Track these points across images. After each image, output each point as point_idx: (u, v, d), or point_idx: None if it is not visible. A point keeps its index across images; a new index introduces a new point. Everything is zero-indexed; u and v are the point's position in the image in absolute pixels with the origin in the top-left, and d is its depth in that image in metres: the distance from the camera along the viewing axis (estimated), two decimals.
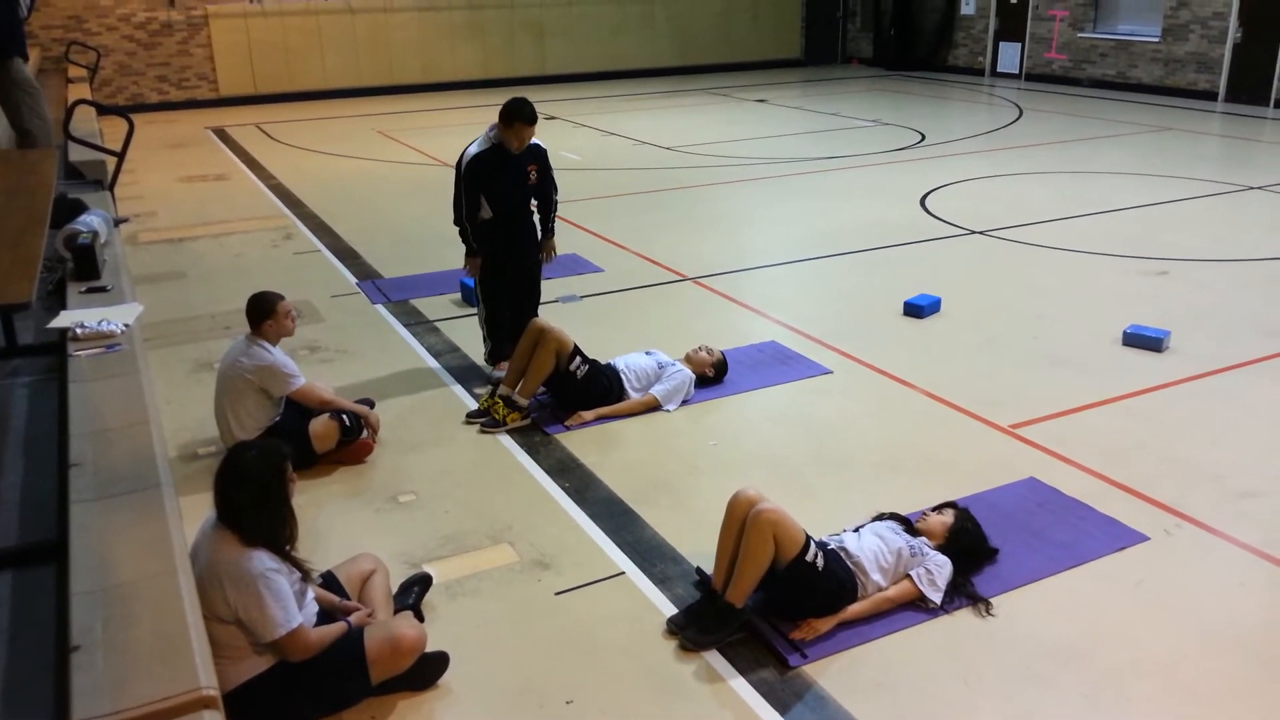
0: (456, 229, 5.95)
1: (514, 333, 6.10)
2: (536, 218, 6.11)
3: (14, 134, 7.47)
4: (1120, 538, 4.35)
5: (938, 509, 4.25)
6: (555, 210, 6.13)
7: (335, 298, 7.75)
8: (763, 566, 3.66)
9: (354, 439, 5.11)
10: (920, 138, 14.09)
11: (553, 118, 16.22)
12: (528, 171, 5.84)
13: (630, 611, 3.92)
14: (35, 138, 7.32)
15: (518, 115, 5.61)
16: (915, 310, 7.11)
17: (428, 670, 3.49)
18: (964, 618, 3.85)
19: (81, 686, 2.11)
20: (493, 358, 6.15)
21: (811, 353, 6.47)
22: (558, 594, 4.04)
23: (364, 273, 8.39)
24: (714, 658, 3.64)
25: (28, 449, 3.59)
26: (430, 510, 4.69)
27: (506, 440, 5.38)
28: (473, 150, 5.75)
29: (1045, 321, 6.99)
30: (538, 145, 5.91)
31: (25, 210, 4.28)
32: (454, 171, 5.88)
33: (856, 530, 4.07)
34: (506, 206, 5.86)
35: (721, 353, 6.05)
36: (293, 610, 3.18)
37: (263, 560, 3.14)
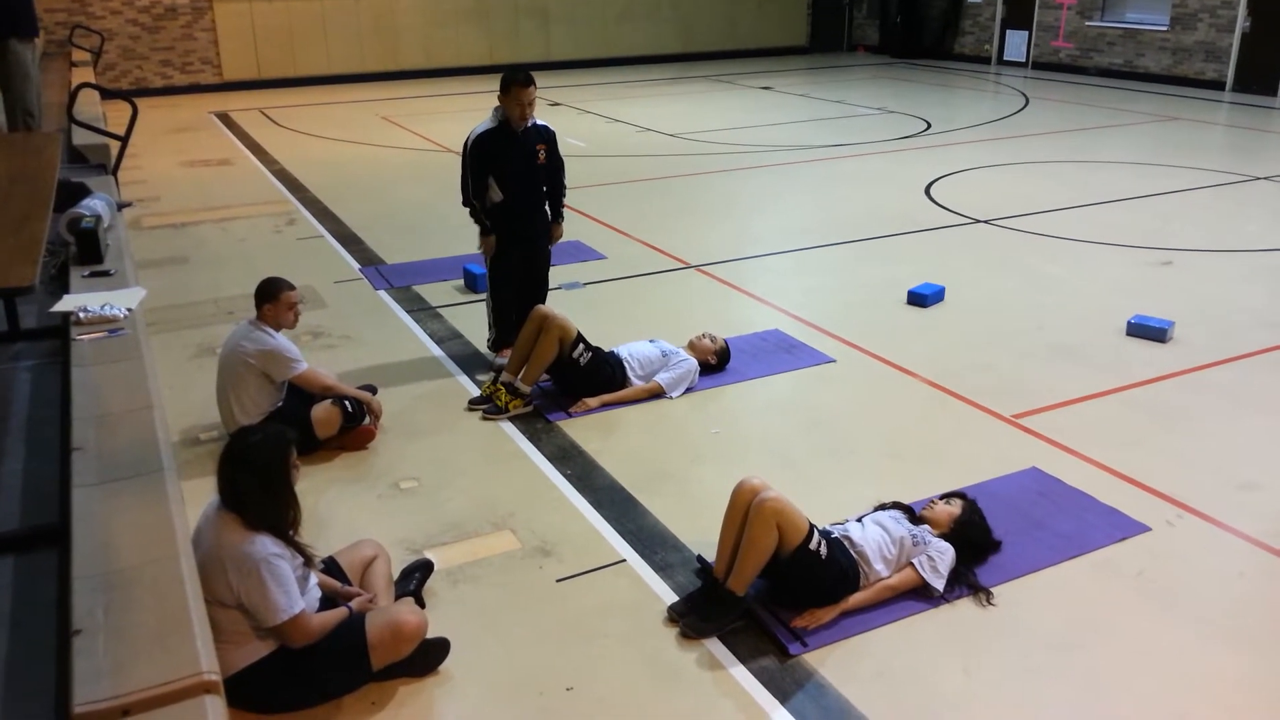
0: (467, 210, 5.91)
1: (520, 321, 6.08)
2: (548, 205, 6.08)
3: (7, 114, 7.48)
4: (1122, 528, 4.35)
5: (945, 498, 4.23)
6: (564, 194, 6.09)
7: (338, 283, 7.74)
8: (765, 555, 3.66)
9: (356, 425, 5.11)
10: (926, 126, 14.04)
11: (557, 104, 16.17)
12: (536, 151, 5.79)
13: (631, 599, 3.92)
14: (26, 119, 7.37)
15: (511, 80, 5.60)
16: (919, 299, 7.09)
17: (428, 656, 3.49)
18: (965, 607, 3.85)
19: (83, 671, 2.12)
20: (496, 345, 6.14)
21: (815, 341, 6.46)
22: (559, 581, 4.04)
23: (367, 258, 8.38)
24: (715, 645, 3.64)
25: (30, 433, 3.59)
26: (432, 497, 4.70)
27: (509, 427, 5.38)
28: (478, 129, 5.74)
29: (1049, 311, 6.97)
30: (546, 126, 5.88)
31: (29, 194, 4.28)
32: (461, 152, 5.85)
33: (860, 520, 4.07)
34: (516, 188, 5.81)
35: (724, 340, 6.04)
36: (295, 596, 3.18)
37: (266, 545, 3.15)
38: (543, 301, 6.05)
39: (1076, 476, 4.78)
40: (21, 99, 7.58)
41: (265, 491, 3.18)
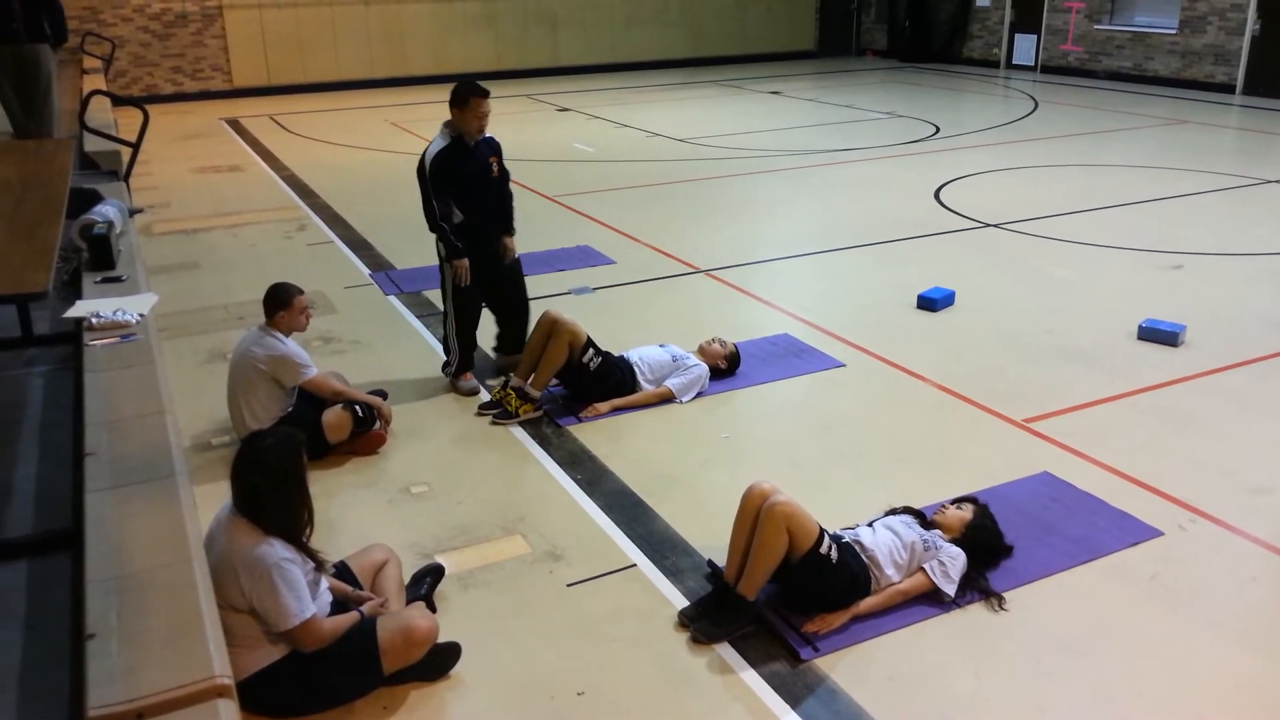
0: (435, 235, 5.69)
1: (508, 343, 6.04)
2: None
3: (20, 120, 7.53)
4: (1133, 533, 4.34)
5: (957, 503, 4.22)
6: (512, 203, 5.95)
7: (348, 289, 7.76)
8: (776, 559, 3.66)
9: (367, 430, 5.12)
10: (934, 130, 14.03)
11: (566, 109, 16.20)
12: (490, 164, 5.70)
13: (641, 603, 3.92)
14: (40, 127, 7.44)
15: (469, 92, 5.48)
16: (929, 304, 7.08)
17: (440, 661, 3.50)
18: (976, 612, 3.84)
19: (96, 674, 2.13)
20: (459, 369, 5.92)
21: (824, 346, 6.45)
22: (569, 585, 4.04)
23: (377, 264, 8.40)
24: (725, 650, 3.64)
25: (43, 438, 3.61)
26: (442, 501, 4.70)
27: (519, 432, 5.39)
28: (433, 149, 5.56)
29: (1060, 315, 6.96)
30: (493, 138, 5.79)
31: (41, 200, 4.30)
32: (417, 176, 5.66)
33: (871, 524, 4.06)
34: (478, 204, 5.67)
35: (734, 345, 6.04)
36: (306, 600, 3.19)
37: (278, 550, 3.16)
38: (526, 312, 6.03)
39: (1088, 481, 4.76)
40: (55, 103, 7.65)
41: (279, 495, 3.20)
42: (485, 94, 5.54)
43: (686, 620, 3.76)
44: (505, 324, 6.10)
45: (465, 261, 5.69)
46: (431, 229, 5.72)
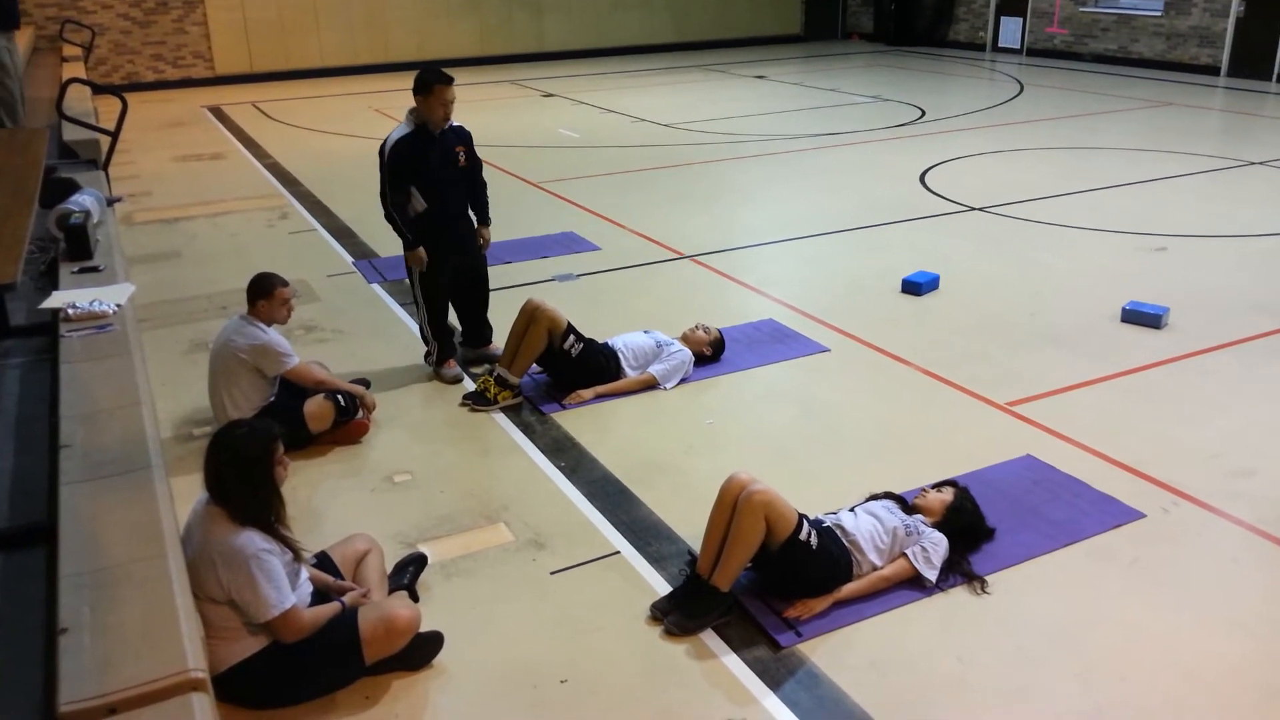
0: (389, 224, 5.60)
1: (472, 336, 5.99)
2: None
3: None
4: (1116, 515, 4.35)
5: (937, 486, 4.23)
6: (486, 194, 5.87)
7: (331, 277, 7.72)
8: (752, 549, 3.64)
9: (349, 419, 5.10)
10: (920, 114, 14.01)
11: (550, 95, 16.11)
12: (456, 154, 5.60)
13: (625, 591, 3.91)
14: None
15: (433, 79, 5.42)
16: (913, 288, 7.08)
17: (422, 650, 3.49)
18: (959, 596, 3.85)
19: (69, 669, 2.11)
20: (440, 358, 5.88)
21: (809, 331, 6.44)
22: (553, 574, 4.03)
23: (360, 252, 8.35)
24: (708, 636, 3.63)
25: (18, 430, 3.57)
26: (425, 490, 4.68)
27: (502, 419, 5.37)
28: (395, 135, 5.48)
29: (1044, 298, 6.96)
30: (462, 127, 5.71)
31: (12, 190, 4.25)
32: (378, 159, 5.56)
33: (852, 510, 4.06)
34: (440, 194, 5.57)
35: (719, 331, 6.02)
36: (286, 591, 3.17)
37: (255, 540, 3.14)
38: (486, 306, 6.01)
39: (1071, 464, 4.77)
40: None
41: (247, 484, 3.17)
42: (449, 81, 5.45)
43: (659, 614, 3.73)
44: (465, 317, 6.04)
45: (420, 251, 5.59)
46: (385, 218, 5.60)
